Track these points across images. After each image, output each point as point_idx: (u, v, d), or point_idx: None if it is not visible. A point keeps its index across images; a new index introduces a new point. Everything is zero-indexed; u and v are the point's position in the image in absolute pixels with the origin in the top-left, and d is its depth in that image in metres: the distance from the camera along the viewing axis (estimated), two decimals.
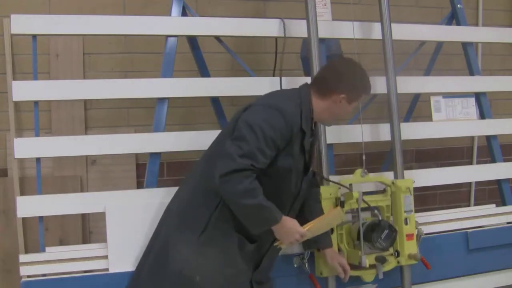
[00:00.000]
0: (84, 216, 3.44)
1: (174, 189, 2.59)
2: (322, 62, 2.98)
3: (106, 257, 2.63)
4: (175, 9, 2.99)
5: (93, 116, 3.52)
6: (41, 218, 2.67)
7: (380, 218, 2.75)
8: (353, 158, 3.80)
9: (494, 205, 3.44)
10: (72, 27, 2.77)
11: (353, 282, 2.81)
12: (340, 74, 2.46)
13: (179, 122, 3.59)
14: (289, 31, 3.04)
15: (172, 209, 2.50)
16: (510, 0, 4.51)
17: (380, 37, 3.08)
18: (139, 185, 3.51)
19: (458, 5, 3.52)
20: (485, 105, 3.48)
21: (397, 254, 2.85)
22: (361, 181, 2.84)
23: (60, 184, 3.37)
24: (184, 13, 3.05)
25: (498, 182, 3.47)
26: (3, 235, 3.29)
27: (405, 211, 2.87)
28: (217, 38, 3.09)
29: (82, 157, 3.42)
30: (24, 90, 2.68)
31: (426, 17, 4.09)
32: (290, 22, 3.03)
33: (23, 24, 2.68)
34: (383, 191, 2.94)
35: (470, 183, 4.38)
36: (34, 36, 2.72)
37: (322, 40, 3.03)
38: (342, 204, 2.76)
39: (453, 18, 3.55)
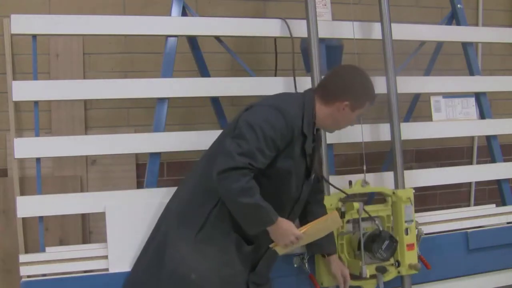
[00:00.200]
0: (84, 216, 3.44)
1: (174, 189, 2.59)
2: (322, 62, 2.99)
3: (106, 257, 2.63)
4: (175, 9, 2.99)
5: (93, 116, 3.52)
6: (41, 218, 2.67)
7: (381, 229, 2.76)
8: (353, 158, 3.80)
9: (494, 205, 3.44)
10: (72, 27, 2.77)
11: None
12: (344, 81, 2.45)
13: (179, 122, 3.59)
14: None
15: (171, 208, 2.51)
16: (510, 0, 4.51)
17: (380, 37, 3.08)
18: (139, 185, 3.51)
19: (458, 5, 3.51)
20: (485, 105, 3.48)
21: (398, 264, 2.85)
22: (362, 191, 2.83)
23: (60, 184, 3.37)
24: (184, 13, 3.05)
25: (498, 182, 3.47)
26: (3, 235, 3.29)
27: (405, 221, 2.86)
28: (217, 38, 3.09)
29: (82, 157, 3.42)
30: (24, 90, 2.68)
31: (426, 17, 4.09)
32: (290, 22, 3.03)
33: (23, 24, 2.68)
34: (384, 201, 2.95)
35: (470, 183, 4.38)
36: (34, 36, 2.72)
37: (322, 40, 3.03)
38: (343, 215, 2.76)
39: (453, 18, 3.55)
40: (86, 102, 3.48)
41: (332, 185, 2.80)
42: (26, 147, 2.66)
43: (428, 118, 3.40)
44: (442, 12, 4.00)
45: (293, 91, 2.98)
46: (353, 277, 2.73)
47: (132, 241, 2.60)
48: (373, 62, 3.46)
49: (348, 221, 2.82)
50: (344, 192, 2.79)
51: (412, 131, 3.28)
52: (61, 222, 3.36)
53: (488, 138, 3.50)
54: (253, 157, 2.24)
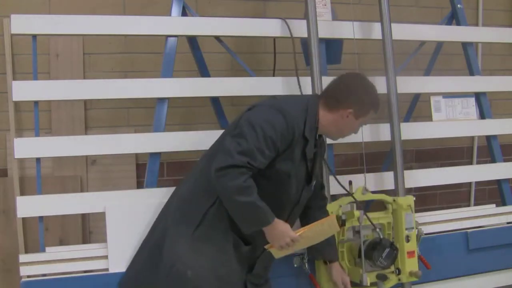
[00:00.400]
0: (84, 216, 3.44)
1: (174, 189, 2.59)
2: (322, 62, 2.99)
3: (106, 257, 2.63)
4: (175, 9, 2.99)
5: (93, 116, 3.52)
6: (41, 218, 2.67)
7: (381, 237, 2.76)
8: (353, 158, 3.80)
9: (494, 205, 3.44)
10: (72, 27, 2.77)
11: None
12: (349, 89, 2.44)
13: (179, 122, 3.59)
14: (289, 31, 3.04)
15: (170, 205, 2.51)
16: (510, 0, 4.51)
17: (380, 37, 3.08)
18: (139, 185, 3.51)
19: (458, 5, 3.52)
20: (485, 105, 3.48)
21: (398, 271, 2.85)
22: (362, 199, 2.84)
23: (60, 184, 3.37)
24: (184, 13, 3.05)
25: (498, 182, 3.47)
26: (3, 235, 3.29)
27: (406, 229, 2.87)
28: (217, 38, 3.09)
29: (82, 157, 3.42)
30: (24, 90, 2.68)
31: (426, 17, 4.09)
32: (290, 22, 3.03)
33: (23, 24, 2.68)
34: (385, 208, 2.95)
35: (470, 183, 4.38)
36: (34, 36, 2.72)
37: (322, 40, 3.03)
38: (343, 223, 2.76)
39: (453, 18, 3.55)
40: (86, 102, 3.48)
41: (338, 181, 2.79)
42: (26, 147, 2.66)
43: (428, 118, 3.41)
44: (442, 12, 4.00)
45: (293, 91, 2.99)
46: (354, 284, 2.74)
47: (132, 241, 2.60)
48: (373, 62, 3.47)
49: (348, 229, 2.82)
50: (347, 190, 2.79)
51: (412, 131, 3.28)
52: (61, 222, 3.35)
53: (488, 138, 3.50)
54: (252, 156, 2.23)
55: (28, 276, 2.56)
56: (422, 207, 3.70)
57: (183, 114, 3.63)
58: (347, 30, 3.09)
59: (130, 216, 2.65)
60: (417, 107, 3.73)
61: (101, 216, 2.71)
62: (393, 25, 3.06)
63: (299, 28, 3.02)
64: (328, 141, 2.90)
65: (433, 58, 3.66)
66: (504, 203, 3.43)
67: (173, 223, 2.42)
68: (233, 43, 3.45)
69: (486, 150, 3.64)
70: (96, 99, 3.31)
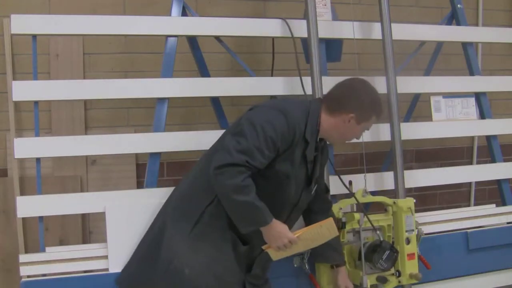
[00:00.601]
0: (84, 216, 3.44)
1: None
2: (322, 62, 2.99)
3: (106, 257, 2.63)
4: (175, 9, 2.99)
5: (93, 116, 3.52)
6: (41, 218, 2.67)
7: (382, 239, 2.76)
8: (353, 158, 3.81)
9: (494, 205, 3.44)
10: (72, 27, 2.77)
11: None
12: (352, 93, 2.43)
13: (179, 122, 3.59)
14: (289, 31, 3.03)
15: (170, 202, 2.52)
16: (510, 0, 4.51)
17: (380, 37, 3.08)
18: (139, 185, 3.51)
19: (458, 5, 3.52)
20: (485, 105, 3.48)
21: (398, 274, 2.85)
22: (362, 201, 2.83)
23: (60, 184, 3.37)
24: (184, 13, 3.05)
25: (498, 182, 3.47)
26: (3, 235, 3.29)
27: (406, 231, 2.87)
28: (217, 38, 3.09)
29: (82, 157, 3.42)
30: (24, 90, 2.68)
31: (426, 17, 4.09)
32: (290, 22, 3.03)
33: (23, 24, 2.68)
34: (385, 211, 2.95)
35: (470, 183, 4.38)
36: (34, 36, 2.72)
37: (322, 40, 3.03)
38: (343, 225, 2.76)
39: (453, 18, 3.55)
40: (86, 102, 3.48)
41: (342, 181, 2.79)
42: (26, 147, 2.66)
43: (428, 118, 3.41)
44: (442, 12, 4.00)
45: (293, 91, 2.99)
46: (354, 286, 2.74)
47: (132, 241, 2.59)
48: (373, 62, 3.47)
49: (348, 231, 2.82)
50: (350, 191, 2.79)
51: (412, 131, 3.28)
52: (61, 222, 3.35)
53: (488, 138, 3.50)
54: (251, 155, 2.23)
55: (28, 276, 2.56)
56: (422, 207, 3.70)
57: (183, 114, 3.63)
58: (347, 30, 3.09)
59: (130, 216, 2.65)
60: (417, 107, 3.73)
61: (101, 216, 2.71)
62: (393, 25, 3.07)
63: (299, 28, 3.02)
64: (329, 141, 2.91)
65: (433, 58, 3.66)
66: (504, 203, 3.43)
67: (172, 221, 2.42)
68: (233, 43, 3.45)
69: (486, 150, 3.65)
70: (96, 99, 3.30)
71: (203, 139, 2.76)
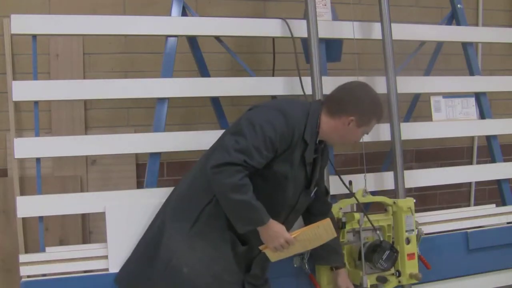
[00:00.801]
0: (84, 216, 3.44)
1: None
2: (322, 62, 2.99)
3: (106, 257, 2.63)
4: (175, 9, 2.99)
5: (93, 116, 3.52)
6: (41, 218, 2.67)
7: (382, 239, 2.76)
8: (353, 158, 3.81)
9: (494, 205, 3.44)
10: (72, 27, 2.77)
11: None
12: (352, 96, 2.42)
13: (179, 122, 3.59)
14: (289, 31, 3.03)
15: (169, 201, 2.53)
16: (510, 0, 4.51)
17: (380, 37, 3.08)
18: (139, 185, 3.51)
19: (458, 5, 3.52)
20: (485, 105, 3.48)
21: (398, 274, 2.85)
22: (363, 201, 2.83)
23: (60, 184, 3.37)
24: (184, 13, 3.05)
25: (498, 182, 3.47)
26: (3, 235, 3.29)
27: (406, 231, 2.87)
28: (217, 38, 3.09)
29: (82, 157, 3.42)
30: (24, 90, 2.68)
31: (426, 17, 4.10)
32: (290, 22, 3.03)
33: (23, 24, 2.68)
34: (385, 211, 2.95)
35: (470, 183, 4.38)
36: (34, 36, 2.72)
37: (322, 40, 3.03)
38: (343, 225, 2.76)
39: (453, 18, 3.55)
40: (86, 102, 3.48)
41: (343, 182, 2.79)
42: (26, 147, 2.66)
43: (428, 118, 3.41)
44: (442, 12, 4.00)
45: (293, 91, 2.99)
46: (354, 286, 2.74)
47: (132, 241, 2.59)
48: (373, 62, 3.47)
49: (348, 231, 2.83)
50: (350, 191, 2.79)
51: (412, 131, 3.28)
52: (61, 222, 3.35)
53: (488, 138, 3.50)
54: (250, 154, 2.23)
55: (28, 276, 2.56)
56: (422, 207, 3.70)
57: (183, 114, 3.63)
58: (347, 30, 3.09)
59: (130, 216, 2.65)
60: (417, 107, 3.73)
61: (101, 216, 2.71)
62: (393, 25, 3.07)
63: (299, 28, 3.02)
64: None
65: (433, 58, 3.66)
66: (504, 203, 3.44)
67: (171, 219, 2.43)
68: (233, 43, 3.45)
69: (486, 150, 3.65)
70: (96, 99, 3.31)
71: (203, 139, 2.76)
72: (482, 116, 3.48)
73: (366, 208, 3.15)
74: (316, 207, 2.62)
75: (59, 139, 2.87)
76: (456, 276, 3.18)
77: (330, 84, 2.54)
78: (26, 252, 3.12)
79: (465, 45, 3.53)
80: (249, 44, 3.71)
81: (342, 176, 2.84)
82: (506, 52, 4.44)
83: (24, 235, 3.18)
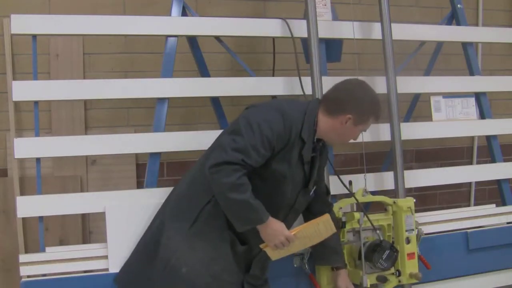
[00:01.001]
0: (84, 216, 3.44)
1: None
2: (322, 62, 2.99)
3: (106, 257, 2.63)
4: (175, 9, 2.99)
5: (93, 116, 3.52)
6: (41, 218, 2.67)
7: (382, 238, 2.76)
8: (353, 158, 3.81)
9: (494, 205, 3.44)
10: (72, 27, 2.77)
11: None
12: (350, 95, 2.42)
13: (179, 122, 3.59)
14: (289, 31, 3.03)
15: (169, 201, 2.53)
16: (510, 0, 4.51)
17: (380, 37, 3.08)
18: (139, 185, 3.51)
19: (458, 5, 3.52)
20: (485, 105, 3.48)
21: (398, 273, 2.85)
22: (362, 201, 2.83)
23: (60, 184, 3.37)
24: (184, 13, 3.05)
25: (498, 182, 3.47)
26: (3, 235, 3.29)
27: (406, 231, 2.86)
28: (217, 38, 3.09)
29: (82, 157, 3.42)
30: (24, 90, 2.68)
31: (426, 17, 4.10)
32: (290, 22, 3.03)
33: (23, 24, 2.68)
34: (385, 210, 2.95)
35: (470, 183, 4.39)
36: (34, 36, 2.72)
37: (322, 40, 3.03)
38: (343, 225, 2.76)
39: (453, 18, 3.55)
40: (86, 102, 3.48)
41: (342, 182, 2.78)
42: (26, 147, 2.66)
43: (428, 118, 3.41)
44: (442, 12, 4.00)
45: (293, 91, 2.99)
46: (354, 286, 2.73)
47: (132, 241, 2.59)
48: (373, 62, 3.47)
49: (348, 231, 2.82)
50: (350, 191, 2.79)
51: (412, 131, 3.28)
52: (61, 222, 3.36)
53: (488, 138, 3.50)
54: (247, 153, 2.23)
55: (28, 276, 2.56)
56: (422, 207, 3.70)
57: (183, 114, 3.63)
58: (347, 30, 3.09)
59: (130, 216, 2.65)
60: (417, 107, 3.73)
61: (101, 216, 2.71)
62: (393, 25, 3.07)
63: (299, 28, 3.02)
64: None
65: (433, 58, 3.66)
66: (504, 203, 3.43)
67: (170, 219, 2.43)
68: (233, 43, 3.45)
69: (486, 150, 3.65)
70: (96, 99, 3.31)
71: (203, 139, 2.76)
72: (482, 116, 3.48)
73: (366, 208, 3.15)
74: (316, 207, 2.62)
75: (59, 139, 2.87)
76: (456, 276, 3.18)
77: (330, 84, 2.53)
78: (26, 252, 3.12)
79: (465, 45, 3.53)
80: (249, 44, 3.71)
81: (342, 176, 2.84)
82: (506, 52, 4.44)
83: (24, 235, 3.18)
